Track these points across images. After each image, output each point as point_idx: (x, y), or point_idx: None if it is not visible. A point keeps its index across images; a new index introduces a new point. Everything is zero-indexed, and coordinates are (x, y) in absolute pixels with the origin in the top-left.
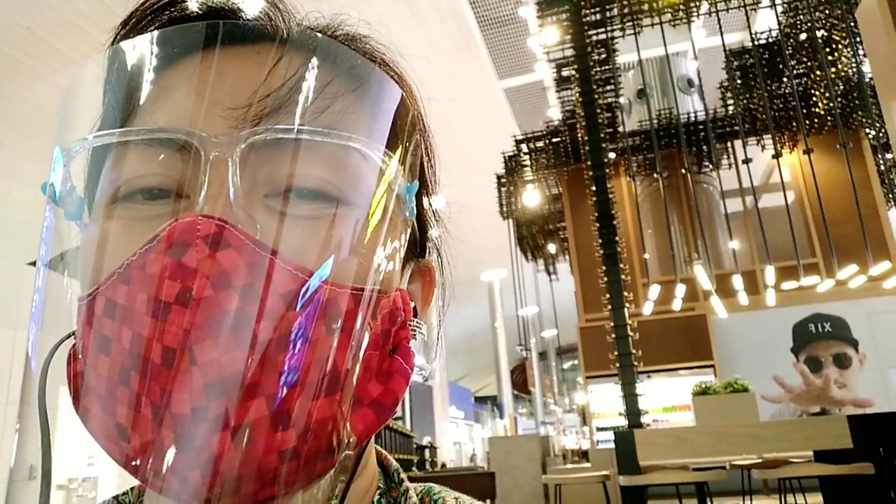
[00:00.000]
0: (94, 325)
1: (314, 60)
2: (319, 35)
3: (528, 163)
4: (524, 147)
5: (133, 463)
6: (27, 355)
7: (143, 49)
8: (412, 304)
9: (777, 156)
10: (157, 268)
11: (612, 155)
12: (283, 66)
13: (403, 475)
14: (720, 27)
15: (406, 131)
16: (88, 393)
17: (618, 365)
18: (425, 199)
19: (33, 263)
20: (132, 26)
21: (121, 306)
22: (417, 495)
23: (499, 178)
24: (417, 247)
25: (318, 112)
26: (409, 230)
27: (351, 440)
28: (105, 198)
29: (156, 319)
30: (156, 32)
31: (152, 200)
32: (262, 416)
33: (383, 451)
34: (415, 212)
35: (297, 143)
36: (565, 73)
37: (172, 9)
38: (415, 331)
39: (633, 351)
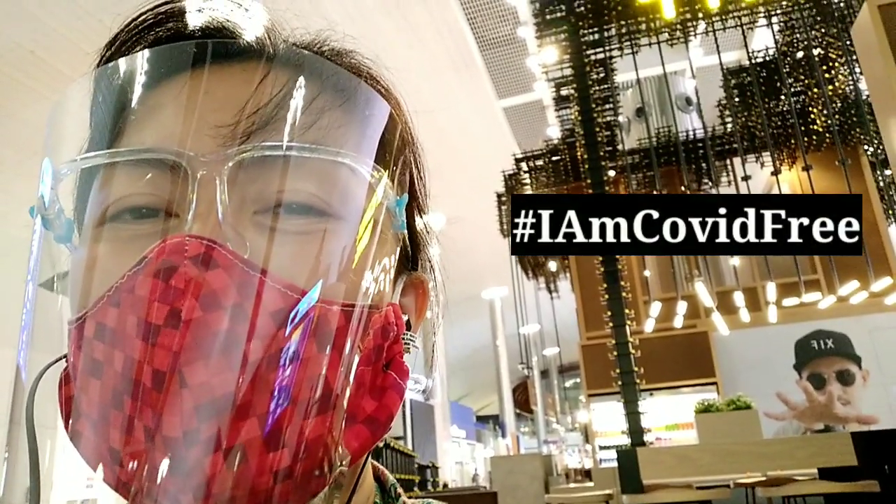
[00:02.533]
0: (83, 349)
1: (300, 76)
2: (305, 51)
3: (528, 181)
4: (524, 165)
5: (125, 486)
6: (15, 376)
7: (129, 69)
8: (405, 318)
9: (776, 173)
10: (145, 290)
11: (611, 173)
12: (269, 82)
13: (400, 490)
14: (717, 46)
15: (394, 144)
16: (80, 417)
17: (620, 383)
18: (416, 212)
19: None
20: (118, 47)
21: (110, 329)
22: None
23: (499, 196)
24: (409, 260)
25: (305, 128)
26: (399, 243)
27: (345, 458)
28: (94, 219)
29: (145, 342)
30: (142, 52)
31: (140, 220)
32: (254, 437)
33: (380, 467)
34: (405, 225)
35: (284, 159)
36: (564, 92)
37: (158, 29)
38: (408, 344)
39: (635, 368)
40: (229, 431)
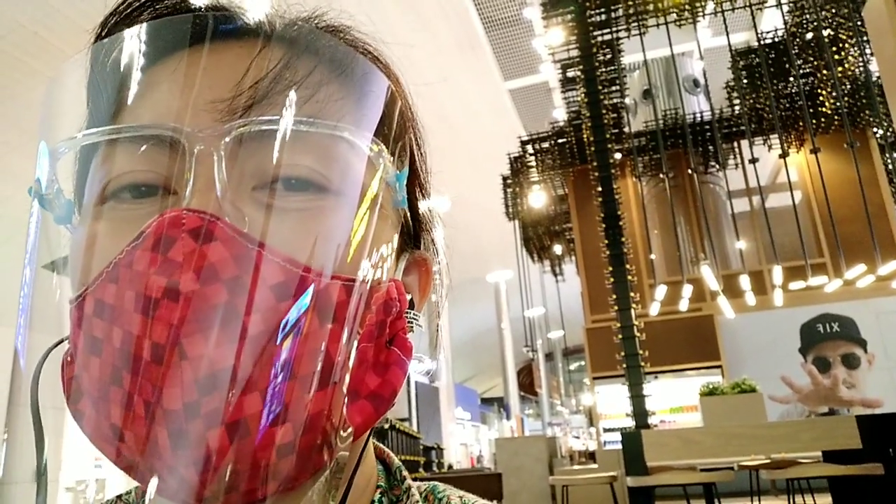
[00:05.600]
0: (83, 327)
1: (297, 50)
2: (302, 24)
3: (533, 164)
4: (530, 148)
5: (128, 462)
6: (14, 358)
7: (124, 47)
8: (409, 297)
9: (784, 155)
10: (143, 264)
11: (617, 155)
12: (265, 56)
13: (406, 473)
14: (726, 27)
15: (393, 119)
16: (81, 395)
17: (624, 366)
18: (417, 190)
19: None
20: (112, 26)
21: (109, 305)
22: (421, 493)
23: (504, 179)
24: (411, 238)
25: (303, 101)
26: (401, 219)
27: (349, 433)
28: (92, 198)
29: (144, 316)
30: (137, 29)
31: (140, 199)
32: (255, 410)
33: (386, 449)
34: (406, 200)
35: (282, 133)
36: (570, 73)
37: (154, 6)
38: (412, 322)
39: (640, 352)
40: (230, 405)
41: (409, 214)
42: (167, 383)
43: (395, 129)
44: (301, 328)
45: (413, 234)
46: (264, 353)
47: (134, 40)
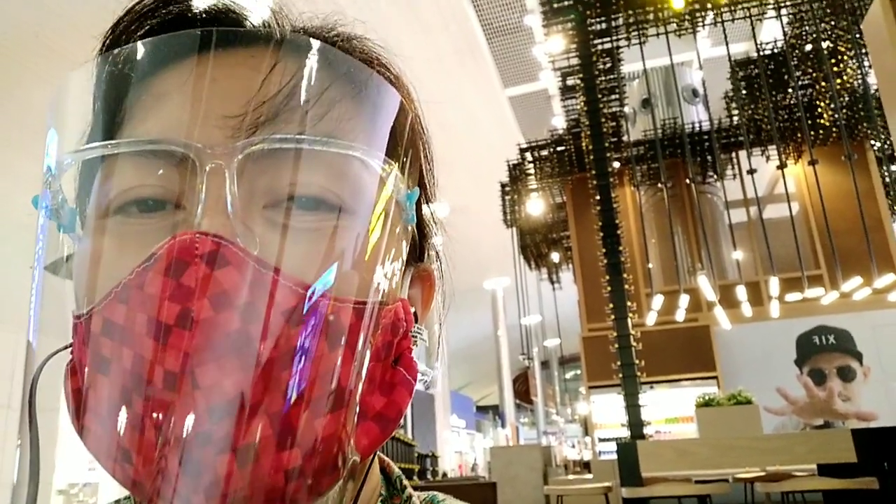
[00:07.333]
0: (92, 345)
1: (310, 65)
2: (315, 39)
3: (532, 171)
4: (528, 155)
5: (137, 486)
6: (25, 364)
7: (132, 56)
8: (412, 310)
9: (782, 167)
10: (155, 288)
11: (616, 164)
12: (278, 71)
13: (406, 482)
14: (725, 37)
15: (405, 136)
16: (88, 414)
17: (620, 375)
18: (424, 204)
19: None
20: (121, 33)
21: (119, 327)
22: (421, 502)
23: (503, 186)
24: (417, 251)
25: (316, 119)
26: (409, 237)
27: (356, 455)
28: (100, 210)
29: (156, 342)
30: (147, 40)
31: (148, 213)
32: (267, 438)
33: (386, 458)
34: (415, 218)
35: (295, 152)
36: (570, 81)
37: (163, 11)
38: (416, 337)
39: (636, 361)
40: (241, 433)
41: (416, 230)
42: (179, 412)
43: (407, 147)
44: (312, 353)
45: (418, 246)
46: (275, 381)
47: (144, 50)
